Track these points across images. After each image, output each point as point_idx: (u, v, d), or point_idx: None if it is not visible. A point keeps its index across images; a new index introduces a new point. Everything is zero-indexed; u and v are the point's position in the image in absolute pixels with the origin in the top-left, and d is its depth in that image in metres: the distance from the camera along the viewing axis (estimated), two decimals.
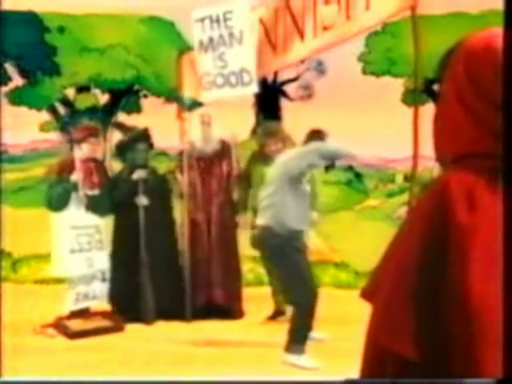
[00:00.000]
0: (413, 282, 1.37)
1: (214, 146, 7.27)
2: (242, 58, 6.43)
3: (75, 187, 6.61)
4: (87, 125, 7.65)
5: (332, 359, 5.41)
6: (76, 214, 6.64)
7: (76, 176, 6.61)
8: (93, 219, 6.71)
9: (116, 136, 9.20)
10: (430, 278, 1.36)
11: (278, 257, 5.50)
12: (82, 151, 6.73)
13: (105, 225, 6.92)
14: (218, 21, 6.50)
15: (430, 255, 1.36)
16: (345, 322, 6.26)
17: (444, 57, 1.50)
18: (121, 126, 8.13)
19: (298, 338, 5.50)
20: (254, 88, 6.54)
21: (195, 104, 7.22)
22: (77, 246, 6.57)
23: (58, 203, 6.64)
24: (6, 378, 5.08)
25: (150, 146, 7.29)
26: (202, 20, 6.55)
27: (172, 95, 7.39)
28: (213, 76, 6.56)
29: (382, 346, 1.41)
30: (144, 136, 7.18)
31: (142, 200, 6.97)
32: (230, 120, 7.41)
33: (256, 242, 5.74)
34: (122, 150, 7.25)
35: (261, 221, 5.60)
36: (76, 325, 6.52)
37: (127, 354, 5.88)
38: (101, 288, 6.75)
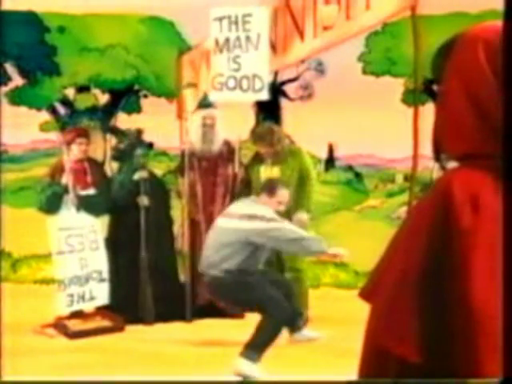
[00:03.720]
0: (415, 284, 1.35)
1: (218, 147, 7.25)
2: (256, 64, 6.34)
3: (66, 190, 6.64)
4: (75, 127, 7.75)
5: (332, 359, 5.41)
6: (66, 216, 6.66)
7: (66, 178, 6.66)
8: (86, 219, 6.70)
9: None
10: (432, 280, 1.33)
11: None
12: (72, 153, 6.82)
13: (102, 224, 6.91)
14: (236, 22, 6.41)
15: (433, 257, 1.34)
16: (345, 322, 6.25)
17: (440, 54, 1.45)
18: (114, 130, 8.14)
19: (258, 345, 5.23)
20: (265, 95, 6.46)
21: (199, 104, 7.19)
22: (66, 248, 6.54)
23: (48, 206, 6.71)
24: (6, 378, 5.08)
25: (150, 146, 7.28)
26: (221, 19, 6.45)
27: (176, 94, 7.36)
28: (225, 77, 6.48)
29: (383, 347, 1.39)
30: (139, 139, 7.16)
31: (144, 200, 6.97)
32: (231, 120, 7.39)
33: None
34: (118, 157, 7.28)
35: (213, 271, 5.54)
36: (76, 325, 6.53)
37: (127, 354, 5.88)
38: (99, 288, 6.73)
